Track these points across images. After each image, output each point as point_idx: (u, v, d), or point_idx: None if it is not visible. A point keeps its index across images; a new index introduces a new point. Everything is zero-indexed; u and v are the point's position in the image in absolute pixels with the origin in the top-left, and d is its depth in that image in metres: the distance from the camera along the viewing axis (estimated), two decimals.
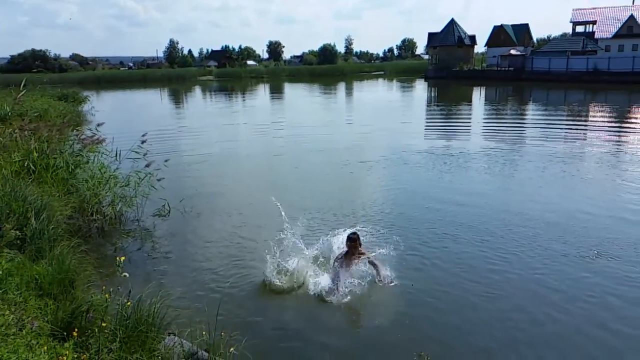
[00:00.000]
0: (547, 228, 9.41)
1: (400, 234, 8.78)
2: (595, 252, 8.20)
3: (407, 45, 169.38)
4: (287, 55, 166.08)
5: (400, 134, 22.83)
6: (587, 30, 69.78)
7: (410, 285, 7.09)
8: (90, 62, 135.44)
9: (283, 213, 7.81)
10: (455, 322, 6.22)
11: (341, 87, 68.19)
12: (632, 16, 62.33)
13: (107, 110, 37.39)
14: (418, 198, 11.91)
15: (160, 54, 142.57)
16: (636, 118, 28.69)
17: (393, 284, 7.06)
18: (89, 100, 36.97)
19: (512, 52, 70.19)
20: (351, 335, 6.06)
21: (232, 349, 4.53)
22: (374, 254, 7.47)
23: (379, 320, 6.26)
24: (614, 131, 23.32)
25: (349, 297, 6.73)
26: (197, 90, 68.38)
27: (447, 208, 10.84)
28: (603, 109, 34.24)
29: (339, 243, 7.98)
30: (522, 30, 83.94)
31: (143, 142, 10.87)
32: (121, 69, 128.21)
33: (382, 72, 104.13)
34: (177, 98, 56.63)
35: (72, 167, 10.42)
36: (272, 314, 6.45)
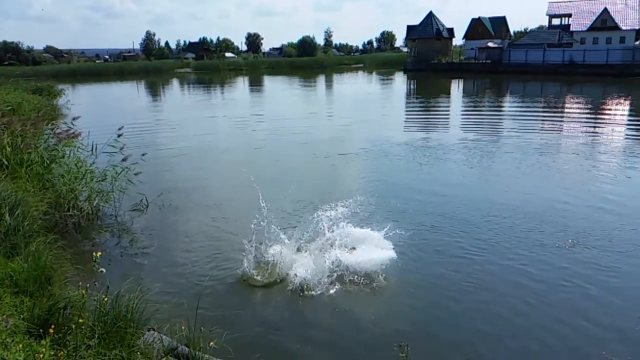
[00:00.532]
0: (525, 218, 9.55)
1: (379, 226, 8.80)
2: (571, 241, 8.36)
3: (386, 38, 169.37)
4: (266, 47, 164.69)
5: (380, 127, 22.92)
6: (562, 23, 70.62)
7: (387, 277, 7.13)
8: (65, 55, 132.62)
9: (263, 203, 7.77)
10: (436, 312, 6.29)
11: (321, 79, 68.08)
12: (605, 9, 63.28)
13: (83, 103, 36.72)
14: (397, 189, 11.99)
15: (137, 46, 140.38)
16: (610, 110, 29.25)
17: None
18: (64, 93, 36.24)
19: (490, 44, 70.80)
20: (331, 327, 6.07)
21: (212, 343, 4.51)
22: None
23: (359, 313, 6.29)
24: (589, 123, 23.72)
25: (329, 290, 6.75)
26: (175, 82, 67.59)
27: (427, 199, 10.93)
28: (579, 100, 34.83)
29: (321, 236, 7.99)
30: (500, 23, 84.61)
31: (119, 135, 10.72)
32: (97, 61, 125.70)
33: (362, 65, 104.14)
34: (154, 91, 55.90)
35: (47, 162, 10.23)
36: (252, 307, 6.44)
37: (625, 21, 62.58)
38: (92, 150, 10.83)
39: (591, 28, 64.14)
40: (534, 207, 10.26)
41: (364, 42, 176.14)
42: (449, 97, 40.48)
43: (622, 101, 33.63)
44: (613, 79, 49.38)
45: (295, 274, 6.97)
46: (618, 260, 7.63)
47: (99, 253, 4.59)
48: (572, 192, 11.40)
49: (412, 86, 54.11)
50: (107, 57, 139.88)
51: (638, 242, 8.34)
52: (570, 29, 66.48)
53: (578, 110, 29.10)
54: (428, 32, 78.31)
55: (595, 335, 5.75)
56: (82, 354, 4.08)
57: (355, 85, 57.69)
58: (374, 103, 35.46)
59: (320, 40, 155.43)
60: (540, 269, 7.38)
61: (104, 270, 4.44)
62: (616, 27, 62.37)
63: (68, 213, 9.54)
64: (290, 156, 16.66)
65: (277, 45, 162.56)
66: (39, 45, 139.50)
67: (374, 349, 5.55)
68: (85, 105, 35.73)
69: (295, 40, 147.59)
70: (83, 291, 4.45)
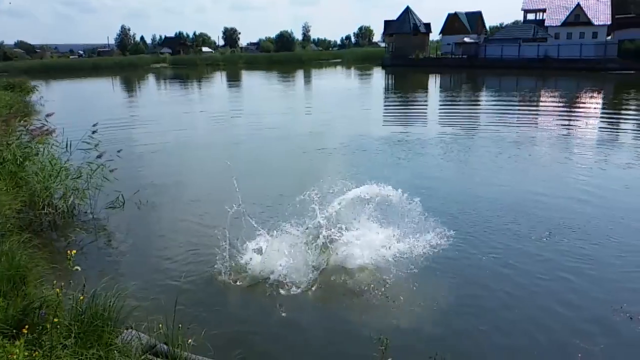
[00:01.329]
0: (502, 210, 9.69)
1: (358, 221, 8.82)
2: (548, 232, 8.50)
3: (364, 33, 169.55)
4: (243, 42, 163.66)
5: (359, 122, 22.99)
6: (537, 18, 71.58)
7: (367, 272, 7.15)
8: (38, 50, 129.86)
9: (241, 199, 7.73)
10: (414, 307, 6.31)
11: (300, 75, 67.89)
12: (578, 4, 64.29)
13: (56, 100, 36.05)
14: (375, 183, 11.96)
15: (112, 41, 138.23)
16: (584, 103, 29.82)
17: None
18: (37, 89, 35.49)
19: (466, 39, 71.46)
20: (312, 322, 6.08)
21: (190, 341, 4.48)
22: None
23: (339, 308, 6.31)
24: (564, 116, 24.16)
25: (309, 286, 6.75)
26: (151, 78, 66.75)
27: (405, 193, 10.95)
28: (553, 94, 35.42)
29: (299, 231, 7.99)
30: (476, 18, 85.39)
31: (94, 132, 10.55)
32: (71, 57, 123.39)
33: (340, 60, 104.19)
34: (130, 87, 55.12)
35: (21, 159, 10.03)
36: (231, 304, 6.42)
37: (597, 16, 63.71)
38: (66, 147, 10.64)
39: (565, 23, 65.14)
40: (511, 199, 10.41)
41: (342, 37, 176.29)
42: (427, 92, 40.77)
43: (595, 95, 34.32)
44: (586, 73, 50.31)
45: (274, 270, 6.95)
46: (594, 250, 7.80)
47: (74, 251, 4.51)
48: (549, 184, 11.59)
49: (390, 81, 54.38)
50: (81, 52, 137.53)
51: (614, 232, 8.51)
52: (545, 24, 67.43)
53: (553, 104, 29.59)
54: (405, 27, 78.69)
55: (572, 324, 5.85)
56: (58, 353, 4.01)
57: (334, 81, 57.71)
58: (353, 98, 35.54)
59: (298, 35, 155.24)
60: (518, 260, 7.48)
61: (79, 268, 4.36)
62: (589, 23, 63.46)
63: (43, 211, 9.37)
64: (270, 151, 16.60)
65: (255, 40, 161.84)
66: (9, 40, 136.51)
67: (352, 346, 5.56)
68: (59, 102, 35.07)
69: (272, 35, 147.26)
70: (58, 290, 4.37)
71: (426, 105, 31.25)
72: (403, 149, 15.97)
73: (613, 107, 27.96)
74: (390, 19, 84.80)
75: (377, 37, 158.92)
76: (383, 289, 6.71)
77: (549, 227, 8.77)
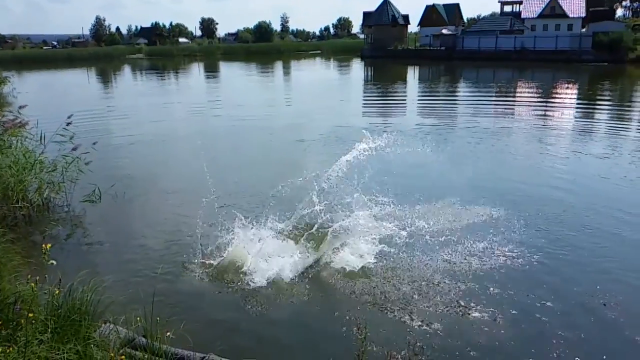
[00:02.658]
0: (480, 199, 9.78)
1: (335, 212, 8.83)
2: (524, 221, 8.62)
3: (343, 24, 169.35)
4: (221, 32, 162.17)
5: (339, 113, 23.00)
6: (514, 10, 72.33)
7: (348, 263, 7.16)
8: (9, 41, 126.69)
9: (218, 190, 7.68)
10: (393, 295, 6.34)
11: (279, 66, 67.54)
12: None
13: (30, 91, 35.20)
14: (354, 174, 11.95)
15: (87, 32, 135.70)
16: (560, 94, 30.30)
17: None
18: (9, 81, 34.57)
19: (444, 31, 71.88)
20: (292, 312, 6.07)
21: (169, 333, 4.44)
22: None
23: (319, 298, 6.31)
24: (540, 107, 24.51)
25: (289, 276, 6.75)
26: (127, 69, 65.72)
27: (382, 184, 10.97)
28: (530, 86, 35.88)
29: (276, 224, 7.99)
30: (453, 9, 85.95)
31: (68, 124, 10.35)
32: (44, 47, 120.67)
33: (319, 51, 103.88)
34: (105, 78, 54.20)
35: None
36: (209, 296, 6.36)
37: (572, 9, 64.64)
38: (40, 139, 10.43)
39: (541, 15, 65.96)
40: (489, 188, 10.54)
41: (321, 28, 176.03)
42: (406, 84, 40.96)
43: (570, 86, 34.88)
44: (562, 64, 51.09)
45: (252, 262, 6.93)
46: (570, 237, 7.95)
47: (49, 245, 4.42)
48: (526, 173, 11.75)
49: (369, 73, 54.45)
50: (54, 43, 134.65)
51: (590, 220, 8.69)
52: (521, 16, 68.19)
53: (529, 95, 30.00)
54: (384, 18, 78.84)
55: (546, 309, 5.95)
56: (34, 349, 3.94)
57: (314, 72, 57.55)
58: (333, 90, 35.51)
59: (276, 26, 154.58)
60: (496, 248, 7.59)
61: (54, 262, 4.29)
62: (564, 15, 64.36)
63: (17, 205, 9.17)
64: (249, 143, 16.49)
65: (233, 31, 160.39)
66: None
67: (333, 335, 5.58)
68: (33, 94, 34.24)
69: (251, 26, 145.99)
70: (33, 285, 4.29)
71: (405, 96, 31.40)
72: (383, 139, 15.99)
73: (588, 98, 28.46)
74: (369, 10, 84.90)
75: (356, 28, 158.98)
76: (362, 280, 6.72)
77: (527, 215, 8.90)
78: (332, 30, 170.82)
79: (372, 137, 8.20)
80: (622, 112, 22.54)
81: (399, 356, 4.94)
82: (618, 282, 6.58)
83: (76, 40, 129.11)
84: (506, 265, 7.05)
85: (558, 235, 8.10)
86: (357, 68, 60.60)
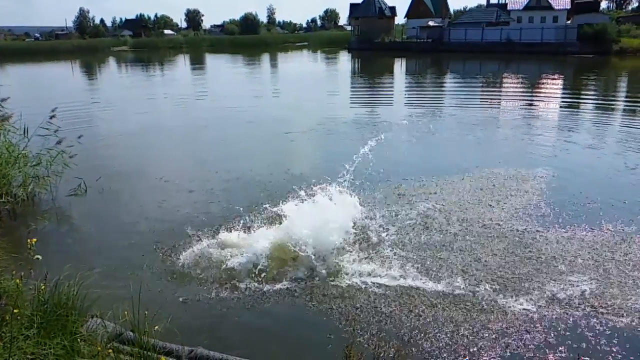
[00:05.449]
0: (467, 190, 9.85)
1: (322, 206, 8.84)
2: (511, 213, 8.70)
3: (330, 16, 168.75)
4: (207, 24, 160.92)
5: (326, 105, 22.97)
6: (500, 1, 72.54)
7: (336, 257, 7.16)
8: None
9: (201, 181, 7.64)
10: (380, 288, 6.37)
11: (266, 58, 67.19)
12: None
13: (12, 84, 34.66)
14: (339, 166, 11.95)
15: (70, 24, 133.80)
16: (545, 86, 30.53)
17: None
18: None
19: (431, 23, 71.91)
20: (278, 308, 6.06)
21: (156, 327, 4.42)
22: None
23: (306, 294, 6.28)
24: (526, 99, 24.69)
25: (274, 273, 6.71)
26: (112, 61, 64.97)
27: (370, 175, 10.99)
28: (516, 78, 36.10)
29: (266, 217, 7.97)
30: (440, 1, 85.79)
31: (52, 117, 10.22)
32: (27, 40, 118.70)
33: (307, 43, 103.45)
34: (90, 70, 53.49)
35: None
36: (196, 290, 6.33)
37: (558, 1, 64.97)
38: (24, 133, 10.27)
39: (527, 7, 66.22)
40: (475, 179, 10.60)
41: (308, 20, 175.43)
42: (393, 76, 40.99)
43: (556, 78, 35.15)
44: (548, 56, 51.45)
45: (240, 256, 6.90)
46: (558, 229, 8.04)
47: (34, 240, 4.37)
48: (513, 163, 11.83)
49: (356, 65, 54.37)
50: (37, 35, 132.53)
51: (576, 210, 8.79)
52: (508, 8, 68.44)
53: (515, 87, 30.20)
54: (371, 10, 78.64)
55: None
56: (20, 344, 3.91)
57: (301, 64, 57.34)
58: (320, 82, 35.43)
59: (263, 18, 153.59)
60: (481, 238, 7.66)
61: (39, 257, 4.24)
62: (550, 7, 64.67)
63: (1, 200, 9.06)
64: (236, 135, 16.41)
65: (219, 23, 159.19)
66: None
67: (324, 325, 5.61)
68: (16, 87, 33.73)
69: (237, 17, 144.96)
70: (18, 280, 4.24)
71: (392, 88, 31.43)
72: (370, 131, 16.01)
73: (573, 90, 28.72)
74: (356, 2, 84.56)
75: (343, 20, 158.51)
76: (349, 275, 6.70)
77: (514, 207, 8.98)
78: (319, 22, 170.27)
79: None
80: (608, 103, 22.75)
81: (388, 347, 4.97)
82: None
83: (59, 32, 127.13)
84: (487, 251, 7.11)
85: (545, 226, 8.18)
86: (345, 60, 60.48)
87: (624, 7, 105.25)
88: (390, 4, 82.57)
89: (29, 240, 4.33)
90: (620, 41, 53.81)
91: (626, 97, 25.51)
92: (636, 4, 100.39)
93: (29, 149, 10.15)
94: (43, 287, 4.38)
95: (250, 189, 10.21)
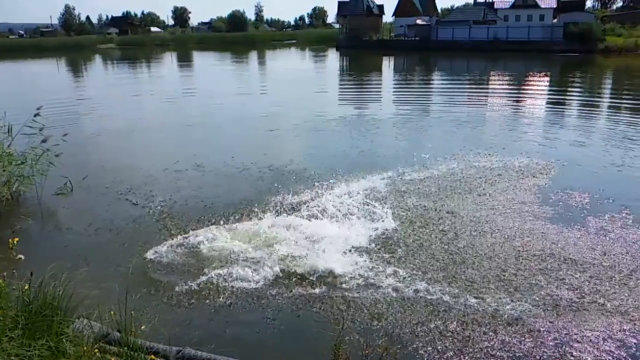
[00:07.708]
0: (455, 187, 9.90)
1: (311, 204, 8.85)
2: (503, 207, 8.76)
3: (318, 14, 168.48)
4: (194, 21, 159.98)
5: (315, 103, 22.94)
6: (487, 0, 72.99)
7: (325, 252, 7.16)
8: None
9: (189, 181, 7.59)
10: (370, 282, 6.38)
11: (254, 56, 66.98)
12: None
13: None
14: (328, 162, 11.96)
15: (55, 21, 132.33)
16: (532, 84, 30.79)
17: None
18: None
19: (418, 22, 72.17)
20: (265, 307, 6.04)
21: (143, 327, 4.38)
22: None
23: (296, 290, 6.28)
24: (513, 96, 24.87)
25: (261, 271, 6.68)
26: (98, 59, 64.36)
27: (359, 172, 11.01)
28: (502, 76, 36.34)
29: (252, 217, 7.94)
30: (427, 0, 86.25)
31: (36, 115, 10.09)
32: (11, 37, 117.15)
33: (295, 41, 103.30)
34: (75, 68, 52.95)
35: None
36: (183, 290, 6.28)
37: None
38: (8, 131, 10.12)
39: (513, 6, 66.75)
40: (464, 175, 10.65)
41: (296, 18, 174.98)
42: (381, 74, 41.06)
43: (542, 76, 35.44)
44: (534, 54, 51.86)
45: (226, 255, 6.87)
46: (548, 223, 8.12)
47: (17, 239, 4.31)
48: (501, 160, 11.90)
49: (345, 63, 54.41)
50: (22, 32, 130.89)
51: (566, 204, 8.88)
52: (494, 7, 68.89)
53: (502, 85, 30.41)
54: (359, 8, 78.73)
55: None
56: (4, 346, 3.84)
57: (289, 62, 57.23)
58: (308, 80, 35.39)
59: (251, 15, 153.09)
60: (471, 232, 7.70)
61: (22, 257, 4.17)
62: (536, 5, 65.24)
63: None
64: (224, 133, 16.35)
65: (206, 20, 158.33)
66: None
67: (312, 323, 5.60)
68: None
69: (224, 15, 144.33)
70: (1, 281, 4.17)
71: (380, 86, 31.49)
72: (358, 129, 16.04)
73: (559, 87, 28.98)
74: (344, 0, 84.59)
75: (331, 18, 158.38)
76: (336, 274, 6.68)
77: (504, 202, 9.04)
78: (307, 20, 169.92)
79: None
80: (593, 100, 22.99)
81: (376, 345, 4.97)
82: None
83: (45, 29, 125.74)
84: (478, 254, 7.16)
85: (536, 221, 8.25)
86: (333, 58, 60.49)
87: (608, 6, 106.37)
88: (378, 2, 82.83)
89: (10, 240, 4.26)
90: (605, 40, 54.40)
91: (611, 94, 25.83)
92: (620, 3, 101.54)
93: (13, 147, 10.01)
94: (27, 287, 4.32)
95: (237, 186, 10.19)
